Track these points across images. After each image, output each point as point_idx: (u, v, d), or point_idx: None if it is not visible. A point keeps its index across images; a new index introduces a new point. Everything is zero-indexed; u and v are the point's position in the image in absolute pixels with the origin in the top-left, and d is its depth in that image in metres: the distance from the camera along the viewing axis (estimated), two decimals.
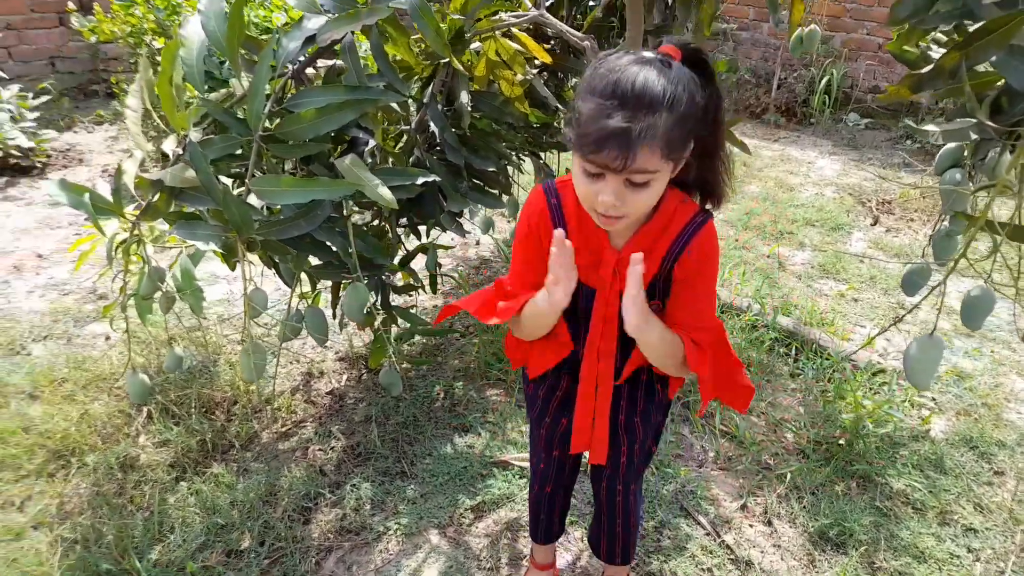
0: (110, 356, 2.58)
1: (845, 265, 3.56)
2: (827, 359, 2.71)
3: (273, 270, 2.11)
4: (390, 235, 2.30)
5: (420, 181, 1.85)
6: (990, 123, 1.17)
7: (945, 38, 1.52)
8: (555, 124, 2.62)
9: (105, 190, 1.71)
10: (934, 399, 2.58)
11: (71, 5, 5.11)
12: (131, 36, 4.05)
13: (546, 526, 1.71)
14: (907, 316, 3.12)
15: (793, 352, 2.80)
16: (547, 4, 2.29)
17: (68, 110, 5.34)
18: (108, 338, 2.75)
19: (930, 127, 1.50)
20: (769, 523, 2.04)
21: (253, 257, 2.03)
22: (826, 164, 5.06)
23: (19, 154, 4.26)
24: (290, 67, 1.73)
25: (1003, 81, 1.25)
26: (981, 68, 1.31)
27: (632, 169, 0.98)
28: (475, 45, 2.22)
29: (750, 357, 2.76)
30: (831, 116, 5.76)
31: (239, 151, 1.68)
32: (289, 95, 1.71)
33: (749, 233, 3.92)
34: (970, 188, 1.62)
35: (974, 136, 1.39)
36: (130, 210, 1.73)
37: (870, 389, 2.55)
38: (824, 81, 5.64)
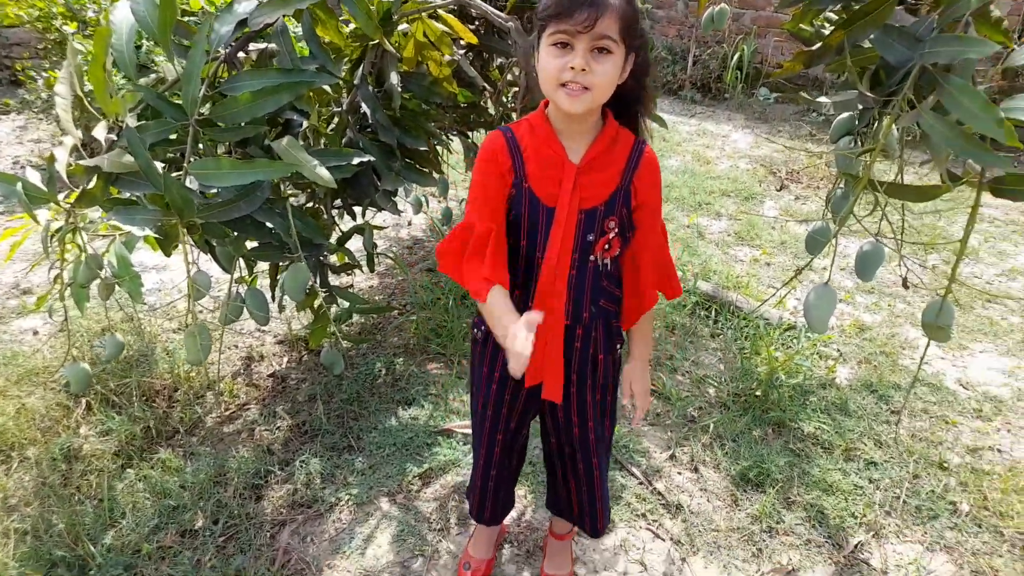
0: (41, 351, 2.54)
1: (759, 232, 3.80)
2: (743, 319, 2.91)
3: (209, 254, 2.14)
4: (325, 216, 2.35)
5: (356, 161, 1.91)
6: (869, 94, 1.32)
7: (836, 17, 1.68)
8: (482, 104, 2.70)
9: (36, 178, 1.71)
10: (839, 350, 2.82)
11: None
12: (39, 21, 3.88)
13: (493, 502, 1.69)
14: (811, 273, 3.36)
15: (713, 314, 2.99)
16: None
17: None
18: (36, 332, 2.70)
19: (823, 99, 1.66)
20: (695, 470, 2.22)
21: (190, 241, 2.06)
22: (740, 137, 5.32)
23: None
24: (222, 51, 1.76)
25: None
26: (867, 45, 1.47)
27: (598, 33, 1.14)
28: (403, 27, 2.28)
29: (673, 321, 2.93)
30: (744, 91, 6.03)
31: (174, 136, 1.70)
32: (222, 79, 1.74)
33: (669, 205, 4.12)
34: (856, 152, 1.80)
35: (860, 106, 1.55)
36: (62, 198, 1.73)
37: (782, 344, 2.76)
38: (736, 57, 5.90)
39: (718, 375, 2.63)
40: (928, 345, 1.53)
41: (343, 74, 2.30)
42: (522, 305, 1.39)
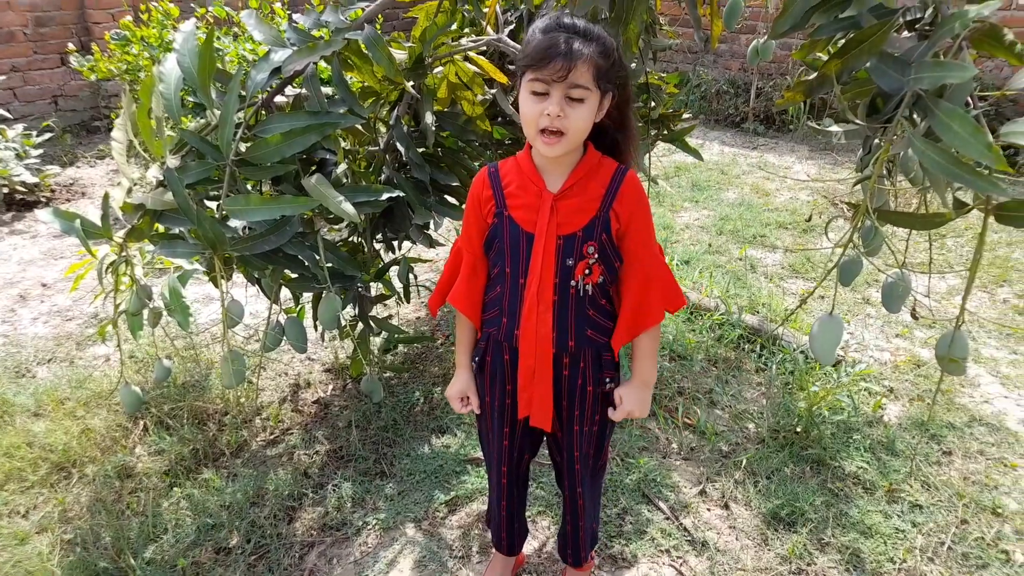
0: (109, 375, 2.73)
1: (815, 264, 3.70)
2: (788, 354, 2.84)
3: (256, 285, 2.27)
4: (366, 250, 2.46)
5: (385, 197, 2.00)
6: (861, 123, 1.31)
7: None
8: (523, 140, 2.78)
9: (95, 216, 1.88)
10: (890, 386, 2.70)
11: (71, 46, 5.34)
12: (127, 73, 4.25)
13: (508, 531, 1.76)
14: (869, 306, 3.24)
15: (759, 348, 2.93)
16: (508, 30, 2.46)
17: (71, 146, 5.56)
18: (108, 359, 2.92)
19: (833, 128, 1.65)
20: (726, 506, 2.17)
21: (240, 274, 2.20)
22: (802, 169, 5.21)
23: (24, 189, 4.47)
24: (260, 96, 1.90)
25: None
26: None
27: (571, 82, 1.22)
28: (437, 69, 2.39)
29: (717, 354, 2.89)
30: (809, 122, 5.91)
31: (216, 175, 1.84)
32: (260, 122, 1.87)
33: (723, 237, 4.06)
34: (887, 184, 1.76)
35: (866, 135, 1.53)
36: (119, 234, 1.89)
37: (828, 379, 2.67)
38: None
39: (759, 410, 2.57)
40: (942, 378, 1.48)
41: (382, 115, 2.44)
42: (509, 331, 1.45)
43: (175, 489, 2.20)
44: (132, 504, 2.13)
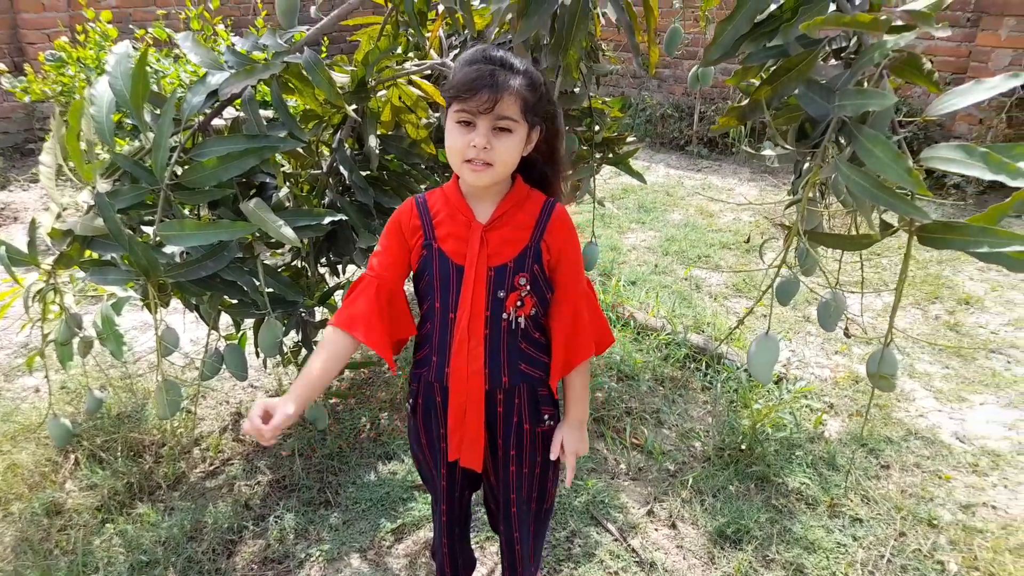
0: (38, 407, 2.62)
1: (758, 284, 3.78)
2: (731, 372, 2.88)
3: (195, 312, 2.21)
4: (310, 274, 2.42)
5: (327, 220, 1.98)
6: (789, 147, 1.35)
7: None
8: None
9: (22, 242, 1.81)
10: (830, 403, 2.77)
11: (3, 66, 5.17)
12: (62, 95, 4.13)
13: (452, 566, 1.72)
14: (809, 323, 3.33)
15: (704, 367, 2.97)
16: (453, 54, 2.47)
17: (3, 169, 5.37)
18: (38, 390, 2.79)
19: (766, 152, 1.69)
20: (673, 526, 2.18)
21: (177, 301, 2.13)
22: (745, 190, 5.34)
23: None
24: (196, 119, 1.87)
25: None
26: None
27: (498, 113, 1.22)
28: (382, 92, 2.38)
29: (663, 374, 2.92)
30: (750, 145, 6.08)
31: (150, 200, 1.80)
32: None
33: (669, 258, 4.13)
34: (820, 207, 1.82)
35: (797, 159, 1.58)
36: (47, 261, 1.82)
37: (770, 397, 2.72)
38: None
39: (705, 429, 2.60)
40: (873, 393, 1.52)
41: (325, 138, 2.41)
42: (440, 369, 1.40)
43: (107, 525, 2.11)
44: (61, 542, 2.03)
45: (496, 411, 1.43)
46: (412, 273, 1.42)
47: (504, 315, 1.35)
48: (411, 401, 1.50)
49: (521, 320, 1.37)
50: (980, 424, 2.67)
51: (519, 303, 1.35)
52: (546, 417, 1.46)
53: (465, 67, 1.24)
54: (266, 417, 1.22)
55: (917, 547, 2.08)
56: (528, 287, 1.35)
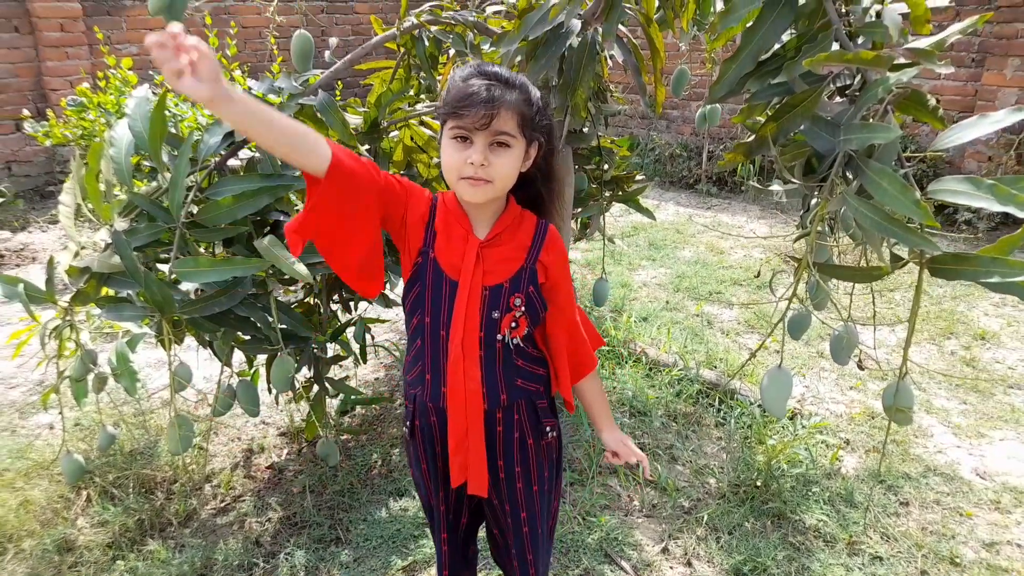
0: (52, 444, 2.63)
1: (769, 320, 3.77)
2: (745, 408, 2.86)
3: (208, 348, 2.23)
4: (322, 311, 2.44)
5: None
6: (797, 182, 1.37)
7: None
8: None
9: (41, 281, 1.84)
10: (847, 439, 2.74)
11: (25, 112, 5.31)
12: (83, 139, 4.23)
13: None
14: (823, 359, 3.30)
15: (717, 403, 2.95)
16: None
17: (23, 211, 5.47)
18: (52, 427, 2.81)
19: (774, 187, 1.71)
20: (689, 564, 2.14)
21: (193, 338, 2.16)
22: (755, 227, 5.35)
23: None
24: (213, 160, 1.91)
25: None
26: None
27: (495, 129, 1.21)
28: (395, 133, 2.43)
29: (676, 410, 2.90)
30: (758, 183, 6.11)
31: (166, 238, 1.83)
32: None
33: (680, 294, 4.13)
34: (829, 240, 1.83)
35: (805, 194, 1.59)
36: (64, 299, 1.85)
37: (785, 433, 2.69)
38: None
39: (719, 465, 2.57)
40: (889, 427, 1.50)
41: None
42: (435, 390, 1.36)
43: (118, 562, 2.10)
44: None
45: (496, 430, 1.39)
46: (403, 281, 1.37)
47: (499, 336, 1.33)
48: (408, 424, 1.46)
49: (518, 340, 1.35)
50: (1001, 460, 2.63)
51: (514, 324, 1.33)
52: (548, 429, 1.44)
53: (460, 83, 1.23)
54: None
55: None
56: (523, 308, 1.33)
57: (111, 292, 1.84)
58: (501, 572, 1.67)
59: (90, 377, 1.94)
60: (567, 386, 1.43)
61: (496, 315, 1.32)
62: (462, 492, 1.46)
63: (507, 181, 1.28)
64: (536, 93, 1.29)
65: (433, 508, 1.54)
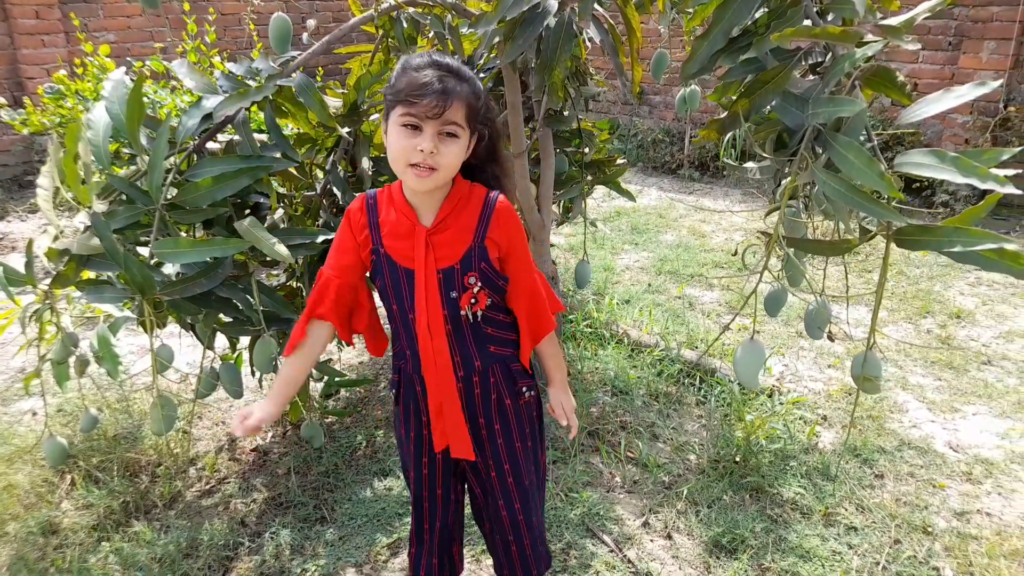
0: (34, 430, 2.63)
1: (751, 301, 3.81)
2: (725, 386, 2.90)
3: (190, 332, 2.24)
4: (304, 294, 2.45)
5: (320, 239, 2.01)
6: (769, 156, 1.39)
7: None
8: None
9: (18, 264, 1.84)
10: (824, 414, 2.79)
11: (2, 100, 5.25)
12: (61, 127, 4.20)
13: (427, 566, 1.66)
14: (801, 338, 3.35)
15: (698, 382, 2.99)
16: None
17: (1, 200, 5.42)
18: (35, 413, 2.81)
19: (749, 164, 1.74)
20: (669, 537, 2.19)
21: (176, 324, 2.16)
22: (736, 211, 5.40)
23: None
24: (192, 142, 1.91)
25: None
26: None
27: (446, 119, 1.25)
28: (375, 116, 2.44)
29: (658, 389, 2.94)
30: (739, 167, 6.16)
31: (145, 220, 1.83)
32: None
33: (662, 277, 4.17)
34: (804, 219, 1.86)
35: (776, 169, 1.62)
36: (44, 282, 1.85)
37: (763, 410, 2.74)
38: (729, 136, 6.05)
39: (699, 442, 2.62)
40: (857, 396, 1.54)
41: (320, 161, 2.46)
42: (416, 363, 1.44)
43: (104, 544, 2.11)
44: (57, 561, 2.04)
45: (474, 393, 1.46)
46: (358, 266, 1.45)
47: (461, 312, 1.39)
48: (394, 391, 1.55)
49: (479, 313, 1.41)
50: (973, 433, 2.69)
51: (473, 300, 1.39)
52: (524, 389, 1.51)
53: (411, 72, 1.27)
54: (245, 416, 1.40)
55: (912, 554, 2.09)
56: (479, 284, 1.38)
57: (91, 275, 1.84)
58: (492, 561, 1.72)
59: (71, 360, 1.94)
60: (527, 349, 1.49)
61: (454, 295, 1.38)
62: (446, 462, 1.54)
63: (452, 170, 1.33)
64: (481, 87, 1.35)
65: (411, 471, 1.59)
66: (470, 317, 1.40)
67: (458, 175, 1.40)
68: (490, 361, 1.45)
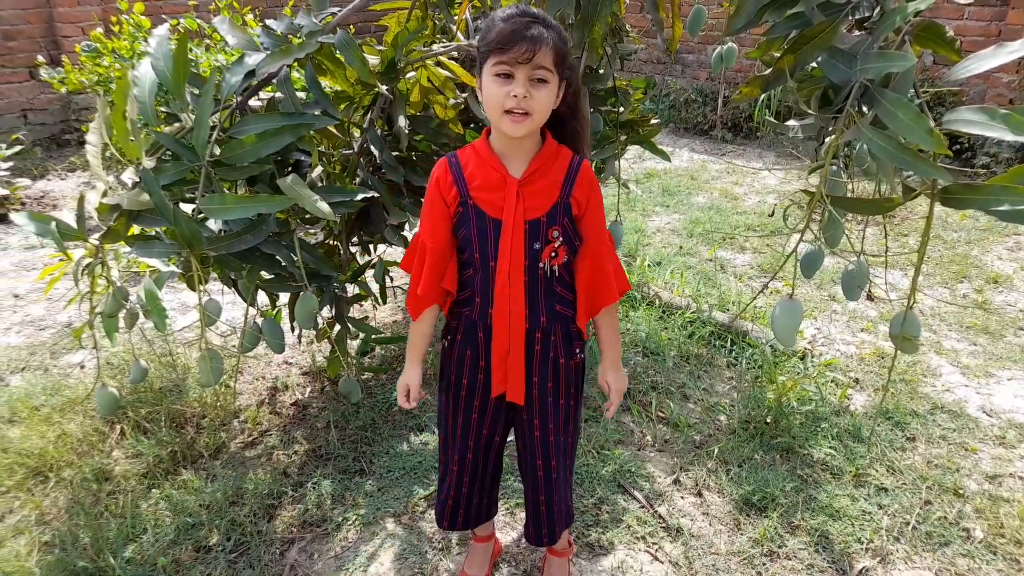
0: (84, 382, 2.73)
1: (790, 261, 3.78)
2: (757, 348, 2.91)
3: (232, 288, 2.29)
4: (341, 252, 2.49)
5: (359, 197, 2.04)
6: (814, 113, 1.38)
7: None
8: None
9: (70, 219, 1.89)
10: (856, 377, 2.79)
11: (40, 59, 5.31)
12: (99, 85, 4.25)
13: (466, 507, 1.73)
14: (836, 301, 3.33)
15: (729, 344, 3.00)
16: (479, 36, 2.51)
17: (41, 159, 5.52)
18: (83, 366, 2.91)
19: (790, 122, 1.72)
20: (699, 494, 2.22)
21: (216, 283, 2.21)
22: (769, 174, 5.33)
23: None
24: (235, 99, 1.94)
25: None
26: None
27: (536, 63, 1.30)
28: (411, 74, 2.44)
29: (689, 351, 2.95)
30: (774, 128, 6.04)
31: (191, 176, 1.87)
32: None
33: (694, 240, 4.15)
34: (844, 178, 1.84)
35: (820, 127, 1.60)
36: (95, 237, 1.91)
37: (795, 372, 2.75)
38: (764, 96, 5.94)
39: (730, 403, 2.64)
40: (895, 355, 1.55)
41: (357, 119, 2.48)
42: (483, 311, 1.51)
43: (154, 491, 2.20)
44: (110, 506, 2.13)
45: (534, 349, 1.53)
46: (451, 226, 1.50)
47: (540, 264, 1.45)
48: (449, 337, 1.60)
49: (556, 268, 1.47)
50: (1008, 398, 2.68)
51: (553, 254, 1.45)
52: (577, 351, 1.58)
53: (501, 23, 1.32)
54: (407, 394, 1.63)
55: (943, 515, 2.11)
56: (560, 239, 1.45)
57: (140, 230, 1.89)
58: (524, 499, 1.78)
59: (121, 314, 2.00)
60: (581, 317, 1.54)
61: (537, 246, 1.44)
62: (496, 406, 1.61)
63: (543, 115, 1.37)
64: (566, 35, 1.38)
65: (459, 417, 1.63)
66: (547, 271, 1.46)
67: (548, 134, 1.45)
68: (554, 320, 1.52)
